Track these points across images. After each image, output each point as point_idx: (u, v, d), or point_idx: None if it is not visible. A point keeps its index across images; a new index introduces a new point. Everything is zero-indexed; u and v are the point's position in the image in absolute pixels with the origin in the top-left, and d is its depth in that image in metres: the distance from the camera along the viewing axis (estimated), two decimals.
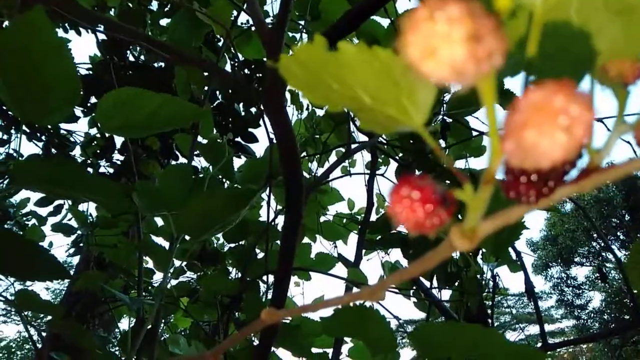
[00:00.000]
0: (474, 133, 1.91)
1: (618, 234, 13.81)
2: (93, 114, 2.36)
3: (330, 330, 0.56)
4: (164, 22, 2.26)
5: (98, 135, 2.29)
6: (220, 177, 1.39)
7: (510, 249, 1.65)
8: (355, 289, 1.31)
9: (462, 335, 0.44)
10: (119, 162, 2.29)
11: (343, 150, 2.02)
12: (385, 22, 1.59)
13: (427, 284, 1.73)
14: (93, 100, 2.44)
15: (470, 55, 0.09)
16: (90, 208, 2.70)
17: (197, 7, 0.74)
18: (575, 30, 0.14)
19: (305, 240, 2.14)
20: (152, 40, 0.74)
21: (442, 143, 1.98)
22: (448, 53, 0.09)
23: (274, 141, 0.77)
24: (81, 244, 2.44)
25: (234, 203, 0.68)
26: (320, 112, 2.10)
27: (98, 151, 2.26)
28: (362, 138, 1.86)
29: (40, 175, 0.54)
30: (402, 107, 0.14)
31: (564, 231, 14.72)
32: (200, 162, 2.54)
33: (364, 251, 1.99)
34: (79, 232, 2.33)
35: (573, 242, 14.57)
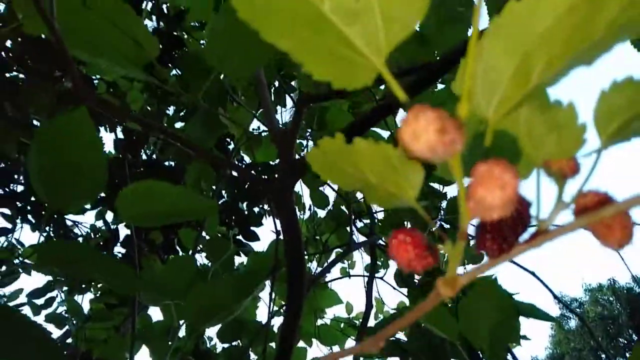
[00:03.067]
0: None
1: (627, 354, 13.16)
2: (101, 207, 2.42)
3: None
4: (178, 125, 2.42)
5: (103, 227, 2.33)
6: (221, 273, 1.40)
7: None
8: None
9: None
10: (120, 255, 2.30)
11: (342, 251, 2.05)
12: (385, 133, 1.72)
13: None
14: (102, 194, 2.52)
15: (439, 141, 0.14)
16: (84, 301, 2.65)
17: (221, 111, 0.83)
18: (522, 136, 0.20)
19: (301, 344, 2.08)
20: (171, 133, 0.82)
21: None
22: (426, 139, 0.14)
23: (280, 235, 0.81)
24: (69, 340, 2.37)
25: (238, 292, 0.70)
26: (322, 214, 2.17)
27: (101, 243, 2.28)
28: (362, 239, 1.90)
29: (62, 255, 0.57)
30: (399, 185, 0.19)
31: (570, 350, 14.06)
32: (201, 258, 2.54)
33: (361, 359, 1.92)
34: (67, 327, 2.28)
35: None
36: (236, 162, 2.24)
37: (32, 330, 0.69)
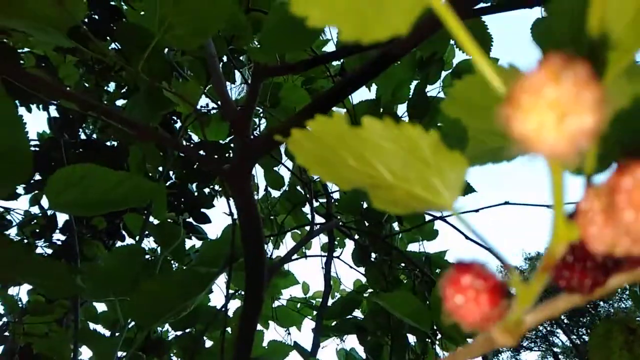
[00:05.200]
0: (427, 218, 1.95)
1: (562, 317, 14.14)
2: (35, 192, 2.24)
3: None
4: (120, 102, 2.26)
5: (39, 214, 2.15)
6: (171, 260, 1.31)
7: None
8: None
9: None
10: (59, 243, 2.14)
11: (299, 232, 2.00)
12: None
13: None
14: (37, 177, 2.32)
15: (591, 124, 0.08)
16: (21, 292, 2.47)
17: (165, 86, 0.74)
18: None
19: (258, 327, 2.03)
20: (109, 111, 0.72)
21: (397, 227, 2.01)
22: (578, 121, 0.07)
23: (236, 221, 0.75)
24: (6, 333, 2.20)
25: (192, 286, 0.63)
26: (276, 194, 2.10)
27: (37, 230, 2.11)
28: (319, 220, 1.85)
29: None
30: (432, 186, 0.13)
31: None
32: (149, 243, 2.42)
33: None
34: (4, 319, 2.11)
35: None
36: (184, 142, 2.12)
37: None
